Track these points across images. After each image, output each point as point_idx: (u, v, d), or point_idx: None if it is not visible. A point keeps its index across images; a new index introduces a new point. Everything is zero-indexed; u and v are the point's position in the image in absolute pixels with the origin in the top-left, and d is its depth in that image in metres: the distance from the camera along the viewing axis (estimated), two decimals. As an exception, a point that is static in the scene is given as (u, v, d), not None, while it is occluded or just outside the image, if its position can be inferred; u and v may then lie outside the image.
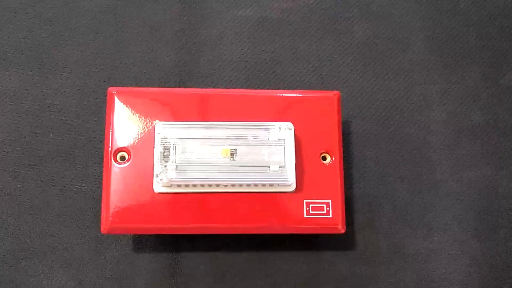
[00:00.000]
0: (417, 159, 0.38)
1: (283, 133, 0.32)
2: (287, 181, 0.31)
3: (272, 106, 0.33)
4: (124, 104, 0.33)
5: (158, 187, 0.31)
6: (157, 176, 0.31)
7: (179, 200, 0.31)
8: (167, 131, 0.31)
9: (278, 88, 0.38)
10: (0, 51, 0.38)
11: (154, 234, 0.35)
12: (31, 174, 0.36)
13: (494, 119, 0.39)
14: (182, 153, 0.31)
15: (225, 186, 0.31)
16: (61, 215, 0.36)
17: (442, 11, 0.41)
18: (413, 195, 0.37)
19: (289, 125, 0.32)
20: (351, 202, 0.37)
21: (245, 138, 0.32)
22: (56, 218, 0.35)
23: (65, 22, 0.39)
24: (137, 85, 0.38)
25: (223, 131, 0.32)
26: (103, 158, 0.34)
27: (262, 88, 0.38)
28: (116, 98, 0.33)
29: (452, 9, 0.41)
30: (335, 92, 0.34)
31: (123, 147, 0.32)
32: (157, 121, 0.32)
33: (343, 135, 0.36)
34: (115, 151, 0.32)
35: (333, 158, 0.33)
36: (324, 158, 0.33)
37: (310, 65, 0.39)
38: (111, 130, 0.32)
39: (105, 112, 0.33)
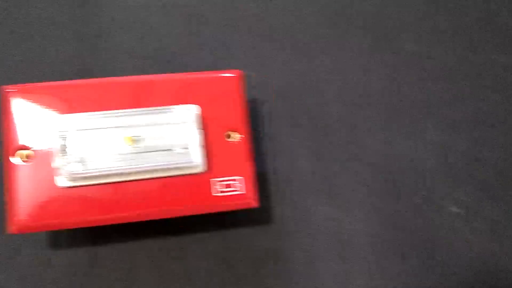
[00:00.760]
0: (318, 130, 0.39)
1: (185, 114, 0.32)
2: (192, 161, 0.31)
3: (173, 90, 0.33)
4: (20, 101, 0.32)
5: (62, 181, 0.31)
6: (59, 170, 0.30)
7: (86, 192, 0.31)
8: (65, 123, 0.30)
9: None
10: None
11: (67, 230, 0.35)
12: None
13: (391, 85, 0.40)
14: (82, 145, 0.30)
15: (132, 173, 0.31)
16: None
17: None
18: (317, 165, 0.38)
19: (192, 107, 0.32)
20: (265, 179, 0.38)
21: (147, 124, 0.31)
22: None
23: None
24: (33, 81, 0.36)
25: (124, 119, 0.31)
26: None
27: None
28: (11, 95, 0.32)
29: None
30: (238, 71, 0.35)
31: (23, 145, 0.31)
32: (55, 115, 0.31)
33: (254, 114, 0.36)
34: (15, 149, 0.31)
35: (242, 136, 0.34)
36: (230, 136, 0.34)
37: (211, 47, 0.39)
38: (9, 128, 0.31)
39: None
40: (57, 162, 0.30)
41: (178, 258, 0.36)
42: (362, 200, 0.38)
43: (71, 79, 0.36)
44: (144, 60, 0.38)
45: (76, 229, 0.34)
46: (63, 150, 0.30)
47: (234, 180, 0.33)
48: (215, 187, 0.32)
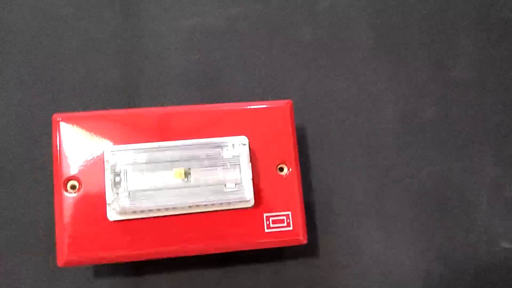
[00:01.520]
0: (371, 158, 0.38)
1: (237, 149, 0.31)
2: (245, 198, 0.31)
3: (224, 120, 0.33)
4: (70, 130, 0.31)
5: (112, 215, 0.30)
6: (109, 205, 0.30)
7: (135, 226, 0.30)
8: (116, 157, 0.30)
9: (229, 99, 0.38)
10: None
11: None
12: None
13: (445, 114, 0.39)
14: (133, 178, 0.30)
15: (182, 208, 0.31)
16: (8, 248, 0.34)
17: (387, 7, 0.41)
18: (369, 196, 0.37)
19: (243, 139, 0.31)
20: (311, 210, 0.37)
21: (198, 158, 0.31)
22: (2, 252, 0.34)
23: (-1, 45, 0.37)
24: (81, 106, 0.36)
25: (175, 152, 0.31)
26: (47, 187, 0.32)
27: (212, 100, 0.37)
28: (61, 125, 0.31)
29: (398, 4, 0.41)
30: (287, 101, 0.34)
31: (73, 176, 0.31)
32: (106, 146, 0.31)
33: (298, 142, 0.36)
34: (64, 181, 0.31)
35: (290, 169, 0.33)
36: (281, 170, 0.33)
37: (261, 73, 0.39)
38: (59, 158, 0.31)
39: (49, 138, 0.32)
40: (108, 196, 0.30)
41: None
42: (415, 236, 0.37)
43: (119, 105, 0.37)
44: (194, 85, 0.38)
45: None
46: (115, 184, 0.29)
47: (282, 215, 0.32)
48: (267, 222, 0.32)
